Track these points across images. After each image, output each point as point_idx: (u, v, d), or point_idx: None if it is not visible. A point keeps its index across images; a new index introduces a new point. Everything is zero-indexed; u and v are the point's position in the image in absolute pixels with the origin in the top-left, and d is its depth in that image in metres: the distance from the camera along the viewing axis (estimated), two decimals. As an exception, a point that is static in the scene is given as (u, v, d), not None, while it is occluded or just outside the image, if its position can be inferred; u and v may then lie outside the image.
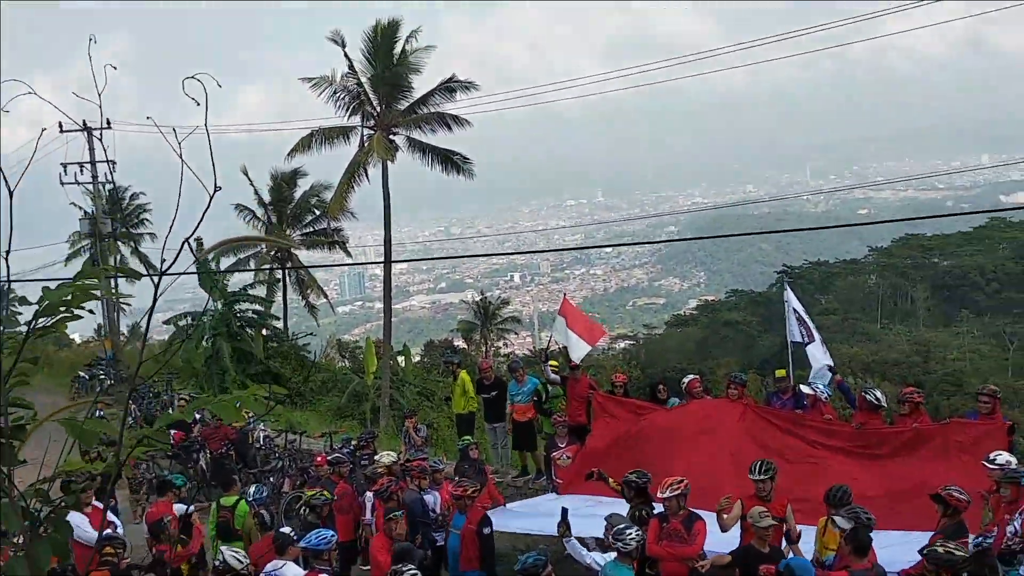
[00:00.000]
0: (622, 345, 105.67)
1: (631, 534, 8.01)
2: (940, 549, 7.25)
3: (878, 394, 12.12)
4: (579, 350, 14.26)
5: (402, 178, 30.86)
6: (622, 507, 11.10)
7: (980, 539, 8.94)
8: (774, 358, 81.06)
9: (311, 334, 40.67)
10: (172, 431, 18.55)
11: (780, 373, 13.21)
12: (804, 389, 12.22)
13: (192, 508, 11.93)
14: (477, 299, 74.52)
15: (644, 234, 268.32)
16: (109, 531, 9.66)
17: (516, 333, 77.15)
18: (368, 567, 10.62)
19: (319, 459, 13.72)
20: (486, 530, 10.07)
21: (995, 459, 9.22)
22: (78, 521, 9.60)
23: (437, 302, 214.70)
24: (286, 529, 9.04)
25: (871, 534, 8.07)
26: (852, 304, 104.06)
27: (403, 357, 33.61)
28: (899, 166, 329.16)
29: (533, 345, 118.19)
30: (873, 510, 9.06)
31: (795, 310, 13.68)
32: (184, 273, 2.80)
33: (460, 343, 69.21)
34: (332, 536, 8.75)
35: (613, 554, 8.29)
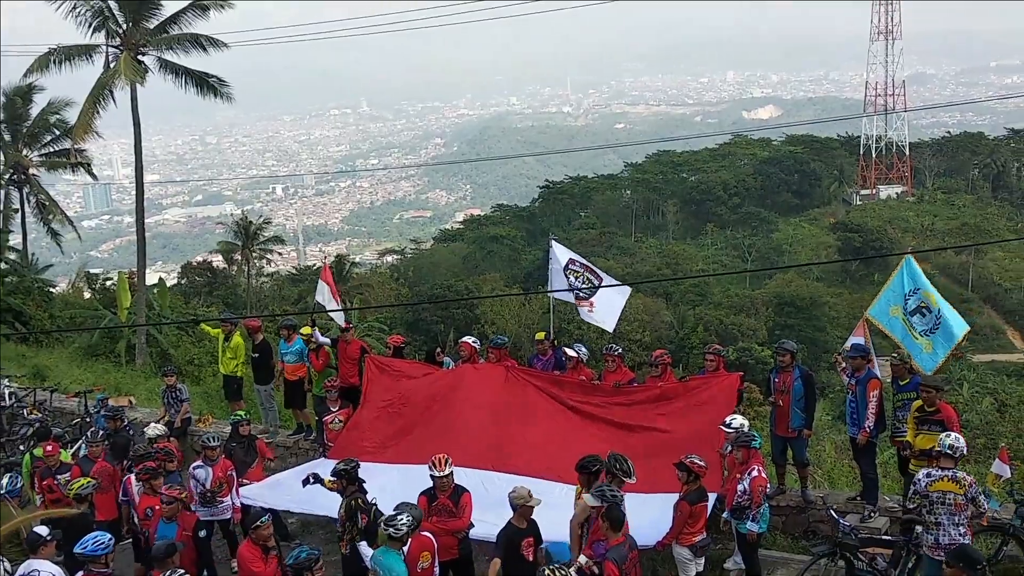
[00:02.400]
0: (390, 260, 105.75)
1: (402, 519, 8.17)
2: None
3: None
4: (342, 317, 14.36)
5: (153, 93, 29.02)
6: (388, 476, 11.37)
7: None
8: (536, 272, 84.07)
9: (50, 265, 38.11)
10: None
11: (540, 336, 13.69)
12: (568, 352, 12.78)
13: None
14: (237, 217, 71.71)
15: (411, 145, 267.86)
16: None
17: (280, 252, 75.17)
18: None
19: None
20: (201, 533, 10.31)
21: (731, 423, 10.18)
22: None
23: (193, 216, 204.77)
24: (41, 529, 8.55)
25: (627, 498, 8.68)
26: (609, 218, 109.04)
27: (157, 290, 31.99)
28: (652, 81, 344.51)
29: (298, 261, 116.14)
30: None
31: (571, 262, 13.55)
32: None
33: (220, 263, 66.78)
34: (109, 540, 8.33)
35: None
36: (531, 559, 8.64)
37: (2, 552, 9.56)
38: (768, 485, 10.10)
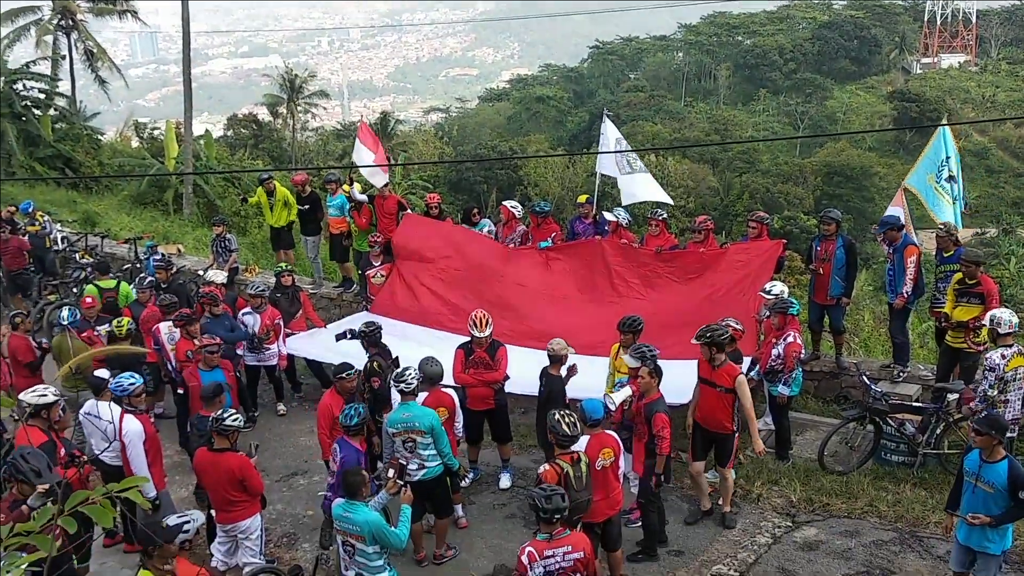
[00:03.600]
0: (434, 118, 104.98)
1: (410, 373, 8.38)
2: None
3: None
4: (378, 177, 14.30)
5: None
6: (428, 336, 11.62)
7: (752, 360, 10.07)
8: (582, 134, 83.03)
9: (97, 113, 38.25)
10: None
11: (582, 198, 13.68)
12: (607, 216, 12.77)
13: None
14: (283, 71, 71.11)
15: (459, 2, 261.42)
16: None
17: (325, 107, 74.82)
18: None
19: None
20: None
21: (771, 290, 10.19)
22: None
23: (239, 67, 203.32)
24: (102, 373, 8.90)
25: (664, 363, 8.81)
26: (659, 81, 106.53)
27: (204, 141, 32.10)
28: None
29: (342, 117, 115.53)
30: (667, 337, 9.92)
31: (617, 140, 13.52)
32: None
33: (265, 116, 66.62)
34: (135, 381, 8.60)
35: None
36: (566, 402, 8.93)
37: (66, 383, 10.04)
38: (803, 351, 10.19)
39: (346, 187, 14.42)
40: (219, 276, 12.72)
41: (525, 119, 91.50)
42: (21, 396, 7.86)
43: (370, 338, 9.85)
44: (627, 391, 8.49)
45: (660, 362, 8.42)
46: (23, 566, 2.72)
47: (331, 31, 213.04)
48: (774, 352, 9.84)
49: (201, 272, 15.01)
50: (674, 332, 10.10)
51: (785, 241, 12.41)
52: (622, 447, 7.85)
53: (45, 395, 7.82)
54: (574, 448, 7.21)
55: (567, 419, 7.14)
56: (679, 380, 9.07)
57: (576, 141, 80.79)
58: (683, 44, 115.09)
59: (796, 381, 9.95)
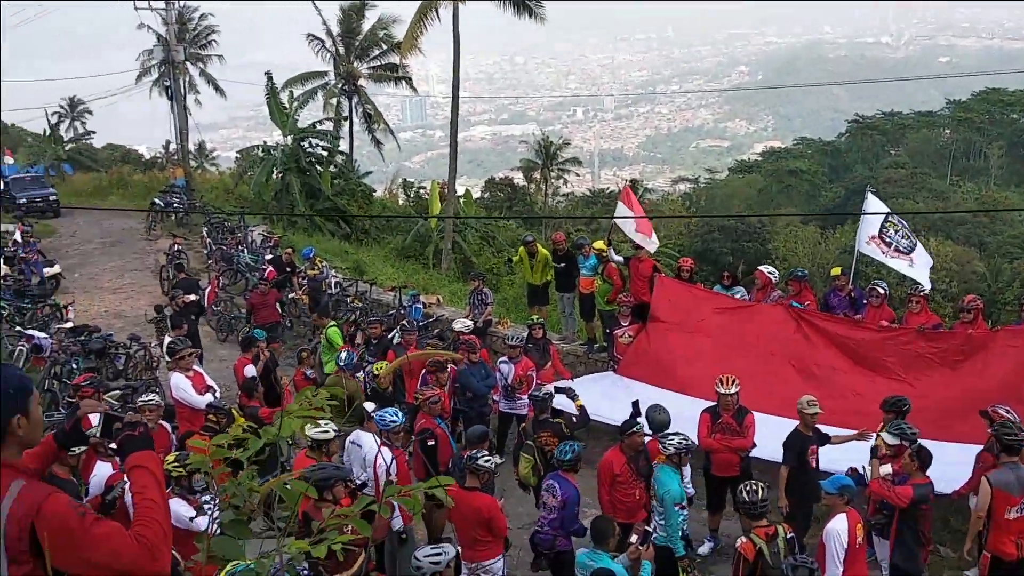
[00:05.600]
0: (682, 188, 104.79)
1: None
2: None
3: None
4: (649, 242, 14.60)
5: (471, 13, 30.35)
6: (675, 400, 11.66)
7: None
8: (837, 209, 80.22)
9: (370, 172, 41.27)
10: (268, 268, 19.59)
11: (836, 271, 13.44)
12: (879, 288, 12.34)
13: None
14: (539, 137, 73.86)
15: (714, 72, 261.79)
16: (210, 397, 10.35)
17: (577, 173, 76.81)
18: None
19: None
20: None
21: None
22: (181, 384, 10.41)
23: (498, 134, 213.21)
24: (368, 405, 9.59)
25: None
26: (923, 158, 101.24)
27: (463, 200, 34.01)
28: (987, 11, 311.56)
29: (592, 184, 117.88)
30: (928, 420, 9.49)
31: (890, 214, 13.20)
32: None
33: (520, 180, 69.30)
34: (395, 418, 8.98)
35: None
36: (815, 466, 8.76)
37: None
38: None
39: (599, 244, 14.94)
40: (464, 324, 13.43)
41: (776, 192, 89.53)
42: (307, 430, 8.22)
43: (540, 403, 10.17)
44: (888, 468, 8.20)
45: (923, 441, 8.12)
46: (337, 545, 3.10)
47: (586, 100, 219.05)
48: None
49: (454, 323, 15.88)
50: (938, 417, 9.66)
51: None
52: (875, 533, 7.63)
53: (327, 432, 8.32)
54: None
55: (750, 487, 7.11)
56: (946, 468, 8.64)
57: (830, 217, 78.11)
58: (951, 120, 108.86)
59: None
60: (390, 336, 14.82)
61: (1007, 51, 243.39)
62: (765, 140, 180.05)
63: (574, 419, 10.27)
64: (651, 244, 14.55)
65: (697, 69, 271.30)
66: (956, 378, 10.90)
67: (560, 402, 10.45)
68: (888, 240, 12.86)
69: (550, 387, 10.64)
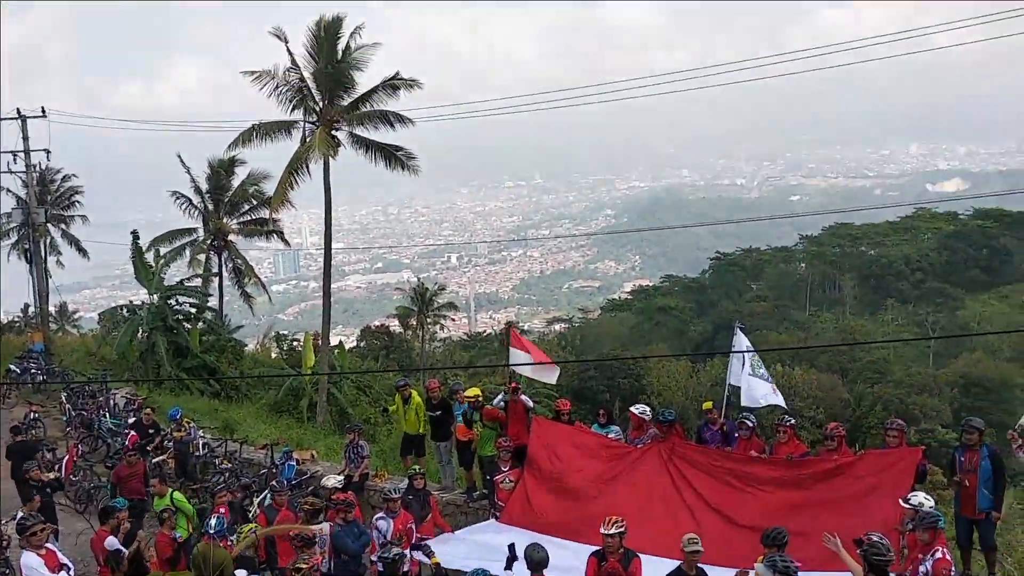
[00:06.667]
0: (557, 328, 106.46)
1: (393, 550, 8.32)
2: None
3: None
4: (550, 374, 14.74)
5: (343, 167, 30.70)
6: (562, 547, 11.45)
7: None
8: (705, 344, 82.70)
9: (241, 326, 40.54)
10: (130, 432, 18.57)
11: (707, 405, 13.75)
12: (748, 422, 12.67)
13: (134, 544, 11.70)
14: (414, 284, 74.37)
15: (582, 216, 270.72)
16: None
17: (453, 318, 77.24)
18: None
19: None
20: None
21: (910, 499, 9.79)
22: (32, 563, 9.64)
23: (373, 282, 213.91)
24: (240, 573, 9.12)
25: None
26: (782, 291, 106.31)
27: (338, 352, 33.64)
28: (830, 153, 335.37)
29: (469, 328, 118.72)
30: (805, 549, 9.56)
31: (745, 359, 13.78)
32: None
33: (396, 327, 69.18)
34: None
35: None
36: None
37: None
38: (952, 569, 9.62)
39: (471, 391, 14.91)
40: (334, 480, 13.01)
41: (647, 329, 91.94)
42: None
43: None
44: None
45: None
46: None
47: (460, 247, 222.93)
48: (921, 570, 9.30)
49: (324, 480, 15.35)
50: (811, 541, 9.72)
51: (924, 448, 12.03)
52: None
53: None
54: None
55: None
56: None
57: (699, 351, 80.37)
58: (805, 255, 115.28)
59: (947, 601, 9.35)
60: (260, 498, 14.26)
61: (851, 188, 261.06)
62: (634, 279, 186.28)
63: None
64: (553, 375, 14.72)
65: (566, 214, 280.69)
66: (825, 505, 11.07)
67: (417, 559, 10.18)
68: (754, 372, 13.37)
69: (408, 551, 10.31)
